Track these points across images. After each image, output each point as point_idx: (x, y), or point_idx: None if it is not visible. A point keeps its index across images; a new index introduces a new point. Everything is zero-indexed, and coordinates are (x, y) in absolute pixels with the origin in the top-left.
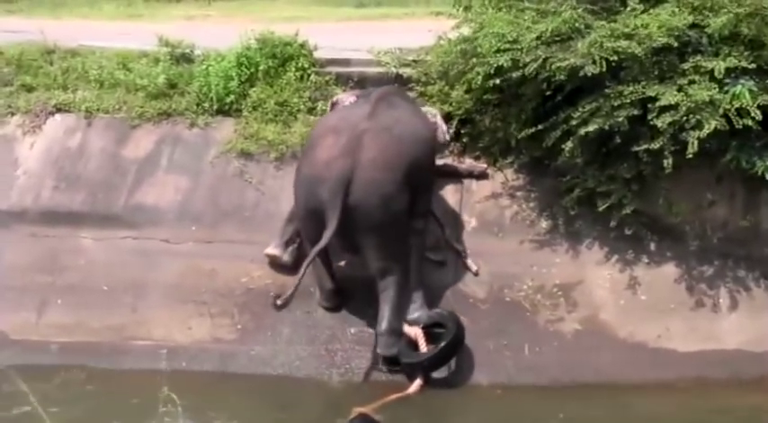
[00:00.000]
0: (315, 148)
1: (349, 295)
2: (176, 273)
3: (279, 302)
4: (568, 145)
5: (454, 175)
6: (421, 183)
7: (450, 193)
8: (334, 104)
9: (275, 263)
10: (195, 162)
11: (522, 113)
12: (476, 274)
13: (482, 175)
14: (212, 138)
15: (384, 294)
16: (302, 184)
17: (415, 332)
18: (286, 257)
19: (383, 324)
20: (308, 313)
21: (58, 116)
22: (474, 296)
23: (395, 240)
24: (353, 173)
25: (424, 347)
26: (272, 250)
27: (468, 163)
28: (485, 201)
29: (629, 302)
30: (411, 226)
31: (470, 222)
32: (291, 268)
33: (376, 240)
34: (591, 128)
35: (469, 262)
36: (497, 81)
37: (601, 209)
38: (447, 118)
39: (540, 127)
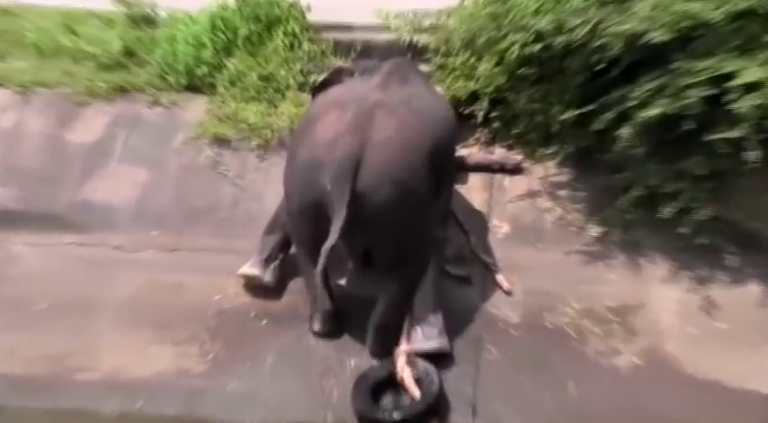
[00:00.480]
0: (313, 126)
1: (348, 318)
2: (133, 288)
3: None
4: (625, 132)
5: (481, 169)
6: (441, 176)
7: (476, 192)
8: (337, 72)
9: (254, 285)
10: (157, 149)
11: (566, 92)
12: (508, 294)
13: (516, 170)
14: (179, 119)
15: (386, 290)
16: (297, 171)
17: (407, 376)
18: (267, 278)
19: (374, 319)
20: (298, 339)
21: None
22: (506, 320)
23: (412, 235)
24: (363, 154)
25: (415, 393)
26: (249, 270)
27: (498, 153)
28: (520, 201)
29: (702, 331)
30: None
31: (501, 228)
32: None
33: (391, 235)
34: (653, 112)
35: (500, 278)
36: (536, 51)
37: (666, 213)
38: (473, 97)
39: (588, 109)
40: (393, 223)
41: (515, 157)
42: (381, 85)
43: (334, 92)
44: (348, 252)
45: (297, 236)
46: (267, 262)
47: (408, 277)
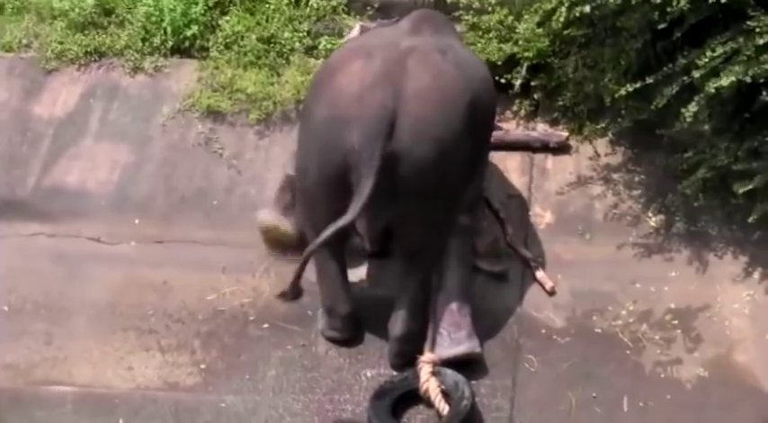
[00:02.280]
0: (334, 77)
1: (363, 322)
2: (111, 287)
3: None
4: (691, 106)
5: (520, 148)
6: (480, 149)
7: (514, 173)
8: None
9: (274, 240)
10: (140, 125)
11: (621, 58)
12: (551, 294)
13: (562, 148)
14: (165, 89)
15: (405, 284)
16: (316, 132)
17: (433, 389)
18: (288, 227)
19: (397, 326)
20: (305, 347)
21: None
22: (549, 325)
23: (440, 213)
24: (397, 108)
25: (443, 408)
26: (267, 217)
27: (540, 129)
28: (566, 186)
29: None
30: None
31: (544, 217)
32: (296, 247)
33: (420, 208)
34: (725, 81)
35: (542, 275)
36: (586, 8)
37: (738, 197)
38: (511, 62)
39: (648, 80)
40: (425, 193)
41: (560, 133)
42: (412, 30)
43: (358, 39)
44: (366, 227)
45: (311, 216)
46: (287, 211)
47: (427, 270)
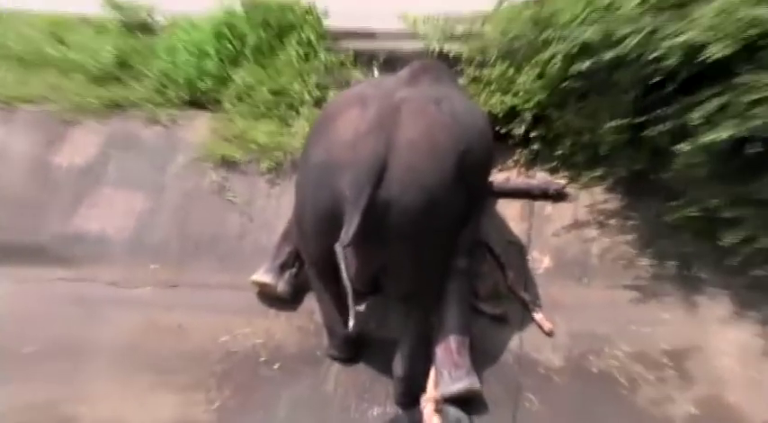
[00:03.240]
0: (331, 124)
1: (370, 362)
2: (129, 329)
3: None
4: (683, 156)
5: (520, 195)
6: (475, 197)
7: (514, 220)
8: None
9: (268, 294)
10: (155, 174)
11: (616, 109)
12: (549, 335)
13: (559, 195)
14: (180, 139)
15: (406, 326)
16: (311, 175)
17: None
18: (282, 286)
19: (400, 367)
20: (315, 387)
21: None
22: (547, 365)
23: (432, 257)
24: (388, 157)
25: None
26: (262, 277)
27: (540, 178)
28: (563, 231)
29: (767, 377)
30: (451, 264)
31: (542, 262)
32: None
33: (411, 254)
34: (723, 134)
35: (540, 318)
36: (583, 63)
37: (725, 243)
38: (511, 114)
39: (641, 126)
40: (415, 239)
41: (559, 181)
42: (409, 80)
43: (356, 88)
44: (357, 271)
45: (308, 252)
46: (282, 269)
47: (425, 311)
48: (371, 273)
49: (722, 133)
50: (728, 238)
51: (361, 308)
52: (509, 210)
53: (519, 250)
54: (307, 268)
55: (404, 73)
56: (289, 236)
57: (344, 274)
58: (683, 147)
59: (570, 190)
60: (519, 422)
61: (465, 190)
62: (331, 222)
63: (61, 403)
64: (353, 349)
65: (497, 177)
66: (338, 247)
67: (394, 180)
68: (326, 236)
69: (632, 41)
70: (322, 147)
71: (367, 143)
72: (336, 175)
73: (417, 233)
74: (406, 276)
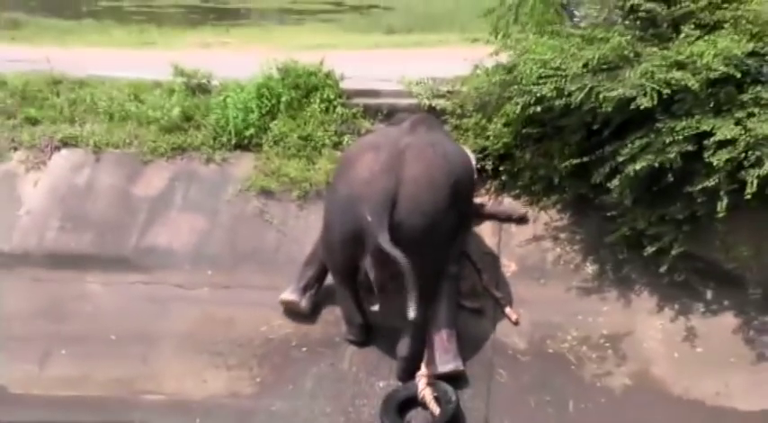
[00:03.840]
0: (352, 165)
1: (377, 345)
2: (190, 321)
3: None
4: (615, 183)
5: (491, 218)
6: (462, 216)
7: (487, 235)
8: None
9: (292, 310)
10: (211, 201)
11: (565, 148)
12: (516, 324)
13: (521, 220)
14: (230, 174)
15: (408, 323)
16: (338, 204)
17: (428, 395)
18: (304, 304)
19: (403, 348)
20: (333, 365)
21: (64, 151)
22: (514, 347)
23: (433, 262)
24: (398, 190)
25: (435, 410)
26: (289, 296)
27: (506, 205)
28: (525, 243)
29: (684, 355)
30: (445, 268)
31: (510, 267)
32: (310, 316)
33: (417, 262)
34: (640, 165)
35: (509, 310)
36: (539, 111)
37: (649, 252)
38: (484, 153)
39: (585, 161)
40: (419, 251)
41: (521, 210)
42: (410, 130)
43: (369, 137)
44: (376, 276)
45: (333, 263)
46: (305, 290)
47: (425, 306)
48: (388, 277)
49: (641, 164)
50: (649, 250)
51: (376, 307)
52: (483, 227)
53: (492, 258)
54: (332, 276)
55: (406, 124)
56: (310, 262)
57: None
58: (615, 181)
59: (529, 212)
60: (492, 392)
61: (456, 213)
62: (353, 240)
63: (136, 379)
64: (365, 334)
65: (476, 202)
66: (386, 249)
67: (402, 208)
68: (350, 251)
69: (577, 95)
70: (345, 183)
71: (381, 180)
72: (357, 205)
73: (421, 246)
74: (414, 279)
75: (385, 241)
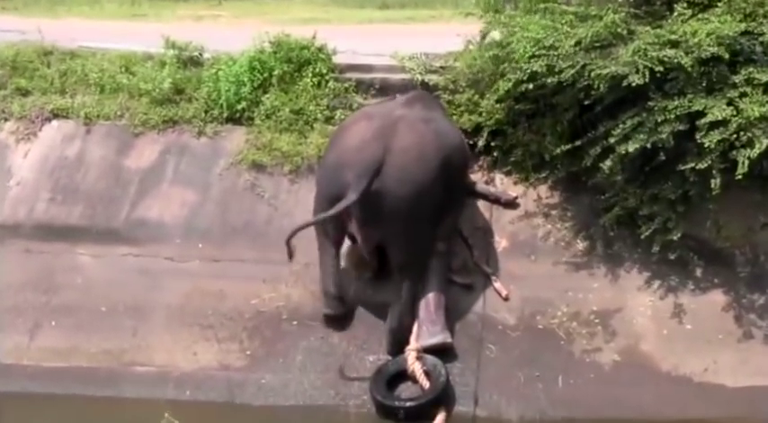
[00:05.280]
0: (344, 133)
1: (367, 320)
2: (181, 294)
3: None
4: (607, 163)
5: (480, 197)
6: (454, 196)
7: (479, 212)
8: None
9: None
10: (203, 174)
11: (557, 125)
12: (506, 299)
13: (510, 204)
14: (221, 148)
15: (398, 291)
16: (327, 169)
17: (418, 369)
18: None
19: (393, 321)
20: (323, 339)
21: (54, 122)
22: (504, 323)
23: (420, 236)
24: (385, 158)
25: (425, 384)
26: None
27: (496, 187)
28: (517, 220)
29: (673, 332)
30: (434, 246)
31: (501, 243)
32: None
33: (403, 232)
34: (632, 146)
35: (499, 286)
36: (531, 88)
37: (643, 232)
38: (476, 129)
39: (577, 143)
40: (406, 220)
41: (510, 194)
42: (406, 104)
43: (366, 108)
44: (363, 243)
45: (320, 228)
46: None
47: (413, 281)
48: (374, 246)
49: (634, 145)
50: (644, 230)
51: (369, 275)
52: (475, 203)
53: (483, 234)
54: (317, 239)
55: (402, 98)
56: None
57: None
58: (607, 161)
59: (521, 189)
60: (481, 366)
61: (444, 188)
62: (337, 201)
63: (126, 351)
64: (340, 308)
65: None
66: (329, 212)
67: (388, 176)
68: (335, 215)
69: (569, 73)
70: (336, 149)
71: (369, 147)
72: (345, 171)
73: (407, 216)
74: (399, 249)
75: (347, 199)
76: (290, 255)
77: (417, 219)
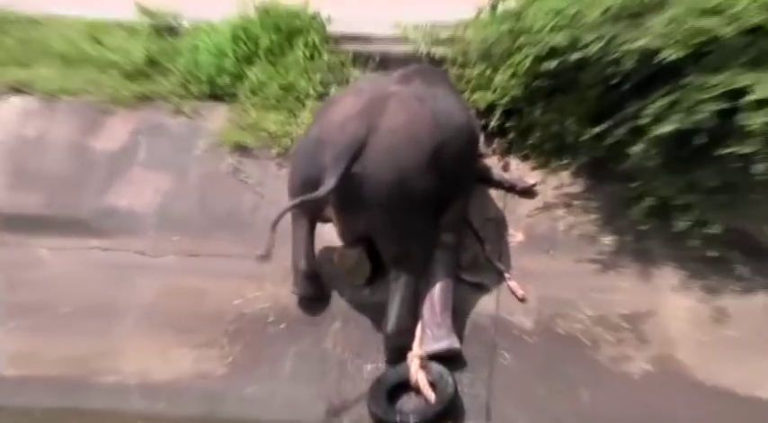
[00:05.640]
0: (329, 108)
1: (364, 323)
2: (154, 292)
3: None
4: (638, 146)
5: (493, 185)
6: (455, 184)
7: (491, 200)
8: None
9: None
10: (180, 157)
11: (580, 105)
12: (522, 300)
13: (527, 192)
14: (201, 128)
15: (394, 286)
16: (305, 147)
17: (422, 379)
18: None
19: (390, 324)
20: (315, 344)
21: (13, 98)
22: (520, 327)
23: (411, 226)
24: (369, 138)
25: (430, 396)
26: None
27: (512, 174)
28: (534, 210)
29: (713, 339)
30: (439, 238)
31: (516, 237)
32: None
33: (389, 222)
34: (666, 128)
35: (514, 285)
36: (551, 65)
37: (677, 224)
38: (490, 108)
39: (603, 124)
40: (391, 208)
41: (529, 181)
42: (401, 79)
43: (358, 82)
44: (343, 234)
45: (294, 207)
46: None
47: (412, 276)
48: (355, 235)
49: (669, 126)
50: (680, 223)
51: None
52: (487, 191)
53: (495, 226)
54: (292, 221)
55: (398, 73)
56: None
57: (279, 216)
58: (638, 144)
59: (540, 176)
60: (495, 377)
61: (442, 173)
62: (314, 188)
63: (94, 357)
64: (313, 287)
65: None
66: (303, 198)
67: (371, 159)
68: (309, 200)
69: (595, 46)
70: (318, 125)
71: (353, 125)
72: (324, 150)
73: (392, 204)
74: (388, 241)
75: (325, 186)
76: (269, 249)
77: (406, 207)
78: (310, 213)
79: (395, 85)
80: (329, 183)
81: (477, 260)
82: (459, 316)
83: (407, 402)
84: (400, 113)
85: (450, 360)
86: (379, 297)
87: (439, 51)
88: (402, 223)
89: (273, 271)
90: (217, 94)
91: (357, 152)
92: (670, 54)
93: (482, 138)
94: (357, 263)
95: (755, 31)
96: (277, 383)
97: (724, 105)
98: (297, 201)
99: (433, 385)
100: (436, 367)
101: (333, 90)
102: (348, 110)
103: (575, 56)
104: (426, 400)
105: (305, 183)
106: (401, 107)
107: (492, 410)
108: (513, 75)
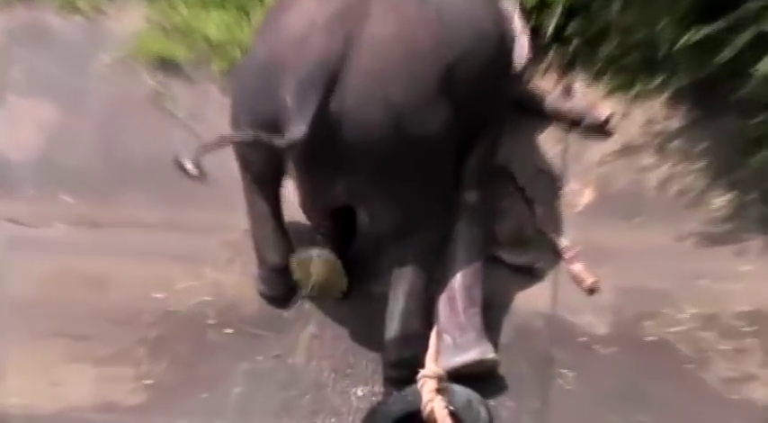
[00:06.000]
0: (282, 14)
1: (354, 325)
2: (35, 281)
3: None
4: (766, 62)
5: (551, 117)
6: (478, 119)
7: (547, 142)
8: None
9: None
10: (73, 77)
11: (677, 2)
12: (591, 292)
13: (598, 129)
14: (105, 33)
15: (396, 275)
16: (249, 76)
17: (439, 410)
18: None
19: (391, 327)
20: (280, 358)
21: None
22: (588, 331)
23: (415, 187)
24: (346, 57)
25: None
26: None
27: (576, 101)
28: (610, 156)
29: None
30: (460, 201)
31: (582, 196)
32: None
33: (382, 182)
34: None
35: (579, 269)
36: None
37: None
38: (542, 3)
39: (710, 27)
40: (381, 166)
41: (602, 112)
42: None
43: None
44: (311, 200)
45: (243, 164)
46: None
47: (423, 259)
48: (328, 204)
49: None
50: None
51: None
52: (537, 128)
53: (551, 181)
54: (242, 181)
55: None
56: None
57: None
58: (765, 59)
59: (618, 108)
60: (550, 406)
61: (453, 107)
62: (268, 132)
63: None
64: (283, 286)
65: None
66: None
67: (351, 89)
68: (265, 148)
69: None
70: (266, 43)
71: (320, 39)
72: (279, 79)
73: (383, 159)
74: (383, 211)
75: (291, 136)
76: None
77: (404, 161)
78: (271, 176)
79: None
80: (298, 128)
81: (522, 232)
82: (494, 315)
83: None
84: (390, 19)
85: (482, 379)
86: (375, 285)
87: None
88: (402, 187)
89: (215, 248)
90: None
91: (330, 80)
92: None
93: (527, 48)
94: (327, 272)
95: None
96: (220, 418)
97: None
98: (249, 136)
99: (455, 417)
100: (461, 392)
101: None
102: (312, 17)
103: None
104: None
105: (254, 128)
106: (391, 10)
107: None
108: None
